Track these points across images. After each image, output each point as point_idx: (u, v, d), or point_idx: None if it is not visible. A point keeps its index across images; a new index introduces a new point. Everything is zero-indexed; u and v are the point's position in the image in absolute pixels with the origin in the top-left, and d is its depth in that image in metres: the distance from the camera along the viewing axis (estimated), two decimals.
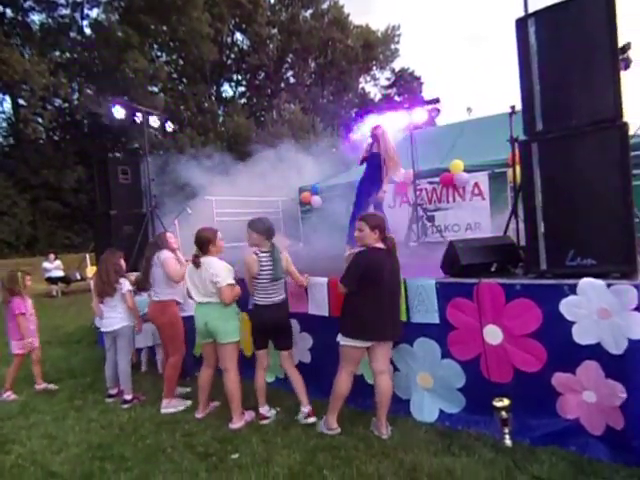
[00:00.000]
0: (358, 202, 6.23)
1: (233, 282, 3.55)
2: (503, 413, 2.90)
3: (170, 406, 3.96)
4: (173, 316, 4.10)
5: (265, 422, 3.52)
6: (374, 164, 6.15)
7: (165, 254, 4.08)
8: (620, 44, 3.14)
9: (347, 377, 3.20)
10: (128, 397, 4.22)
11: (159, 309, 4.08)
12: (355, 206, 6.23)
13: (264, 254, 3.48)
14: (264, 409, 3.60)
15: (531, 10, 3.09)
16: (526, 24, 2.93)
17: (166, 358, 4.18)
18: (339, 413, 3.28)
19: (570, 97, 2.82)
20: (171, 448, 3.24)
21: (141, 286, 4.43)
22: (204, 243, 3.60)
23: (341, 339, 3.18)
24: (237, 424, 3.52)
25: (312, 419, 3.45)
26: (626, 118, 2.71)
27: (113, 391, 4.41)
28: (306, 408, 3.51)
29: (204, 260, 3.56)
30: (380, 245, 3.13)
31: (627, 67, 4.59)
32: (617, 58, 2.68)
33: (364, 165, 6.40)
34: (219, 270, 3.51)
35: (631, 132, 4.45)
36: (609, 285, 2.65)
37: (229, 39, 32.39)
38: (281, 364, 3.69)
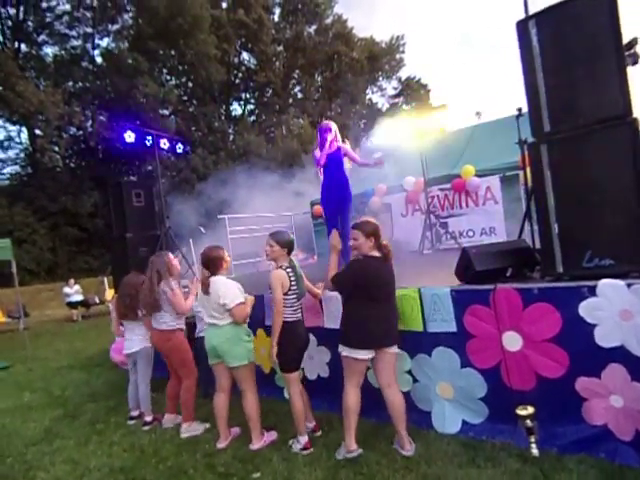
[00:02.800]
0: (328, 212, 5.34)
1: (243, 301, 3.51)
2: (528, 421, 2.81)
3: (190, 430, 3.92)
4: (178, 342, 4.05)
5: (308, 452, 3.29)
6: (334, 164, 5.21)
7: (170, 287, 3.95)
8: (626, 40, 3.11)
9: (353, 391, 3.10)
10: (149, 419, 4.23)
11: (164, 337, 4.02)
12: (327, 219, 5.38)
13: (289, 269, 3.38)
14: (304, 438, 3.36)
15: (532, 11, 3.09)
16: (527, 26, 2.92)
17: (179, 383, 4.12)
18: (357, 430, 3.14)
19: (576, 96, 2.79)
20: (192, 469, 3.24)
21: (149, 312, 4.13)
22: (213, 263, 3.57)
23: (343, 349, 3.11)
24: (257, 445, 3.47)
25: (317, 434, 3.49)
26: (636, 114, 2.67)
27: (135, 413, 4.43)
28: (311, 423, 3.54)
29: (213, 280, 3.52)
30: (376, 253, 3.09)
31: (635, 63, 4.52)
32: (622, 54, 2.65)
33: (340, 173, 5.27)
34: (227, 291, 3.46)
35: None
36: (629, 285, 2.58)
37: (236, 59, 32.94)
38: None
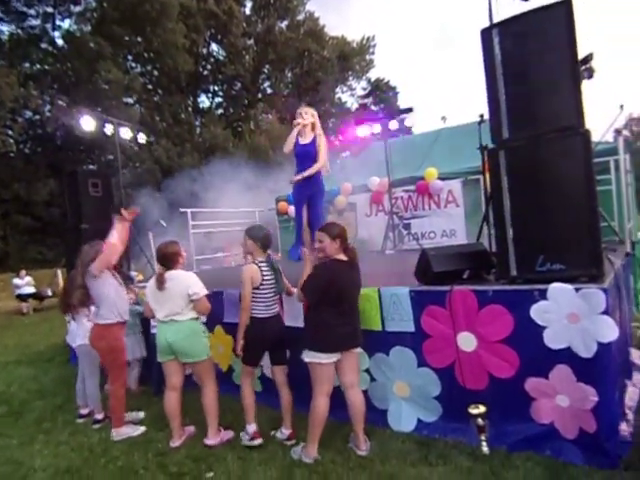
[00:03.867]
0: (297, 207, 5.23)
1: (207, 292, 3.47)
2: (479, 420, 2.90)
3: (121, 433, 3.72)
4: (113, 339, 3.76)
5: (258, 442, 3.32)
6: (305, 157, 5.03)
7: (192, 282, 3.48)
8: (583, 54, 3.23)
9: (323, 400, 3.02)
10: (99, 416, 4.08)
11: (99, 333, 3.75)
12: (297, 214, 5.23)
13: (263, 264, 3.36)
14: (252, 427, 3.38)
15: (496, 20, 3.16)
16: (490, 34, 2.98)
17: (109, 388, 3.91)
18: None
19: (535, 105, 2.88)
20: (143, 469, 3.15)
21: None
22: (169, 258, 3.48)
23: (306, 355, 3.05)
24: (213, 440, 3.42)
25: (290, 442, 3.32)
26: (588, 125, 2.78)
27: (84, 411, 4.26)
28: (287, 431, 3.39)
29: (172, 275, 3.43)
30: (342, 257, 3.06)
31: (590, 77, 4.73)
32: (578, 67, 2.75)
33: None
34: (195, 281, 3.43)
35: (595, 139, 4.57)
36: (577, 289, 2.69)
37: (205, 50, 32.28)
38: (275, 380, 3.53)
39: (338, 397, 3.15)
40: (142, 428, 3.83)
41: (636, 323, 4.90)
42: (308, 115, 5.06)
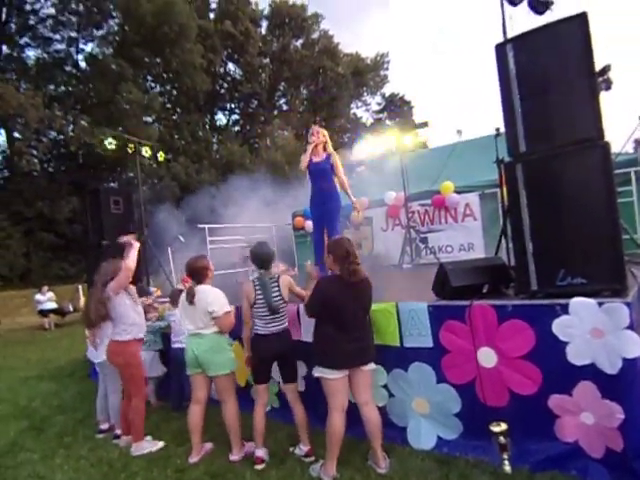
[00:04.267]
0: (315, 225, 5.26)
1: (229, 309, 3.52)
2: (501, 438, 2.83)
3: (140, 449, 3.75)
4: (129, 355, 3.83)
5: (261, 467, 3.28)
6: (320, 175, 5.07)
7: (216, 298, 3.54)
8: (600, 66, 3.22)
9: (339, 416, 3.00)
10: (119, 432, 4.10)
11: (117, 349, 3.82)
12: (315, 231, 5.26)
13: (257, 281, 3.44)
14: (261, 452, 3.37)
15: (510, 34, 3.18)
16: (505, 49, 2.99)
17: (128, 401, 3.92)
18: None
19: (552, 118, 2.87)
20: None
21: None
22: (199, 273, 3.57)
23: (315, 371, 3.08)
24: (237, 456, 3.45)
25: (309, 459, 3.29)
26: (608, 137, 2.76)
27: (104, 426, 4.31)
28: (305, 447, 3.37)
29: (199, 289, 3.51)
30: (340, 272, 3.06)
31: (608, 88, 4.70)
32: (595, 79, 2.74)
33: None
34: (215, 299, 3.48)
35: (615, 150, 4.52)
36: (600, 304, 2.63)
37: (222, 69, 33.01)
38: (286, 397, 3.54)
39: (356, 413, 3.12)
40: (161, 443, 3.85)
41: None
42: (320, 135, 5.14)
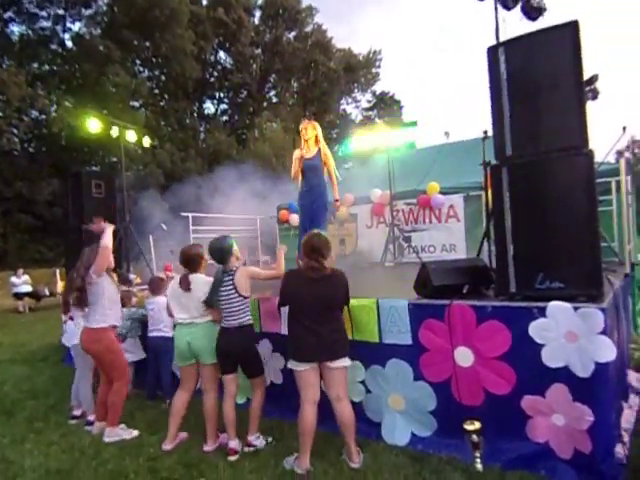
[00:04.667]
0: (302, 220, 5.28)
1: None
2: (474, 436, 2.87)
3: (112, 434, 3.69)
4: (109, 341, 3.76)
5: (234, 458, 3.25)
6: (311, 171, 5.07)
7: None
8: (587, 75, 3.27)
9: (310, 408, 3.03)
10: (91, 418, 4.04)
11: (94, 337, 3.72)
12: (301, 226, 5.28)
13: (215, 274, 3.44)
14: (234, 442, 3.35)
15: (502, 39, 3.20)
16: (497, 53, 3.01)
17: (109, 385, 3.83)
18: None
19: (539, 124, 2.90)
20: (134, 473, 3.11)
21: None
22: (195, 261, 3.53)
23: (288, 362, 3.18)
24: (211, 446, 3.44)
25: (235, 457, 3.25)
26: (591, 146, 2.80)
27: (77, 412, 4.24)
28: (251, 437, 3.37)
29: (195, 277, 3.49)
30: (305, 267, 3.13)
31: (595, 98, 4.77)
32: (582, 88, 2.78)
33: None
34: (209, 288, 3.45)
35: (598, 159, 4.60)
36: (576, 308, 2.69)
37: (212, 57, 32.58)
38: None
39: (330, 408, 3.13)
40: (135, 432, 3.79)
41: (634, 345, 4.88)
42: (309, 130, 5.10)
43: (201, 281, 3.49)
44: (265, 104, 35.34)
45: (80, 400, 4.19)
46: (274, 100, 36.04)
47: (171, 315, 3.69)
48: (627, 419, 3.36)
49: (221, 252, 3.42)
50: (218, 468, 3.11)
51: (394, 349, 3.35)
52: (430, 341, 3.21)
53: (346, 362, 3.08)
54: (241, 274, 3.38)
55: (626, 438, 3.04)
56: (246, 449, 3.33)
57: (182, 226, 9.12)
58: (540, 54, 2.85)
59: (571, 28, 2.76)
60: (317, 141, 5.12)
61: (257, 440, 3.39)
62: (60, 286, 12.24)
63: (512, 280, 2.99)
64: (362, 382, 3.51)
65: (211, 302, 3.38)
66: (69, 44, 25.96)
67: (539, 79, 2.87)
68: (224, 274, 3.39)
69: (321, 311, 3.03)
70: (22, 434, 3.93)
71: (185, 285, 3.46)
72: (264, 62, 34.05)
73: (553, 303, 2.74)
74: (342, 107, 38.50)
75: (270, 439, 3.47)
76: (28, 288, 13.34)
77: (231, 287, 3.35)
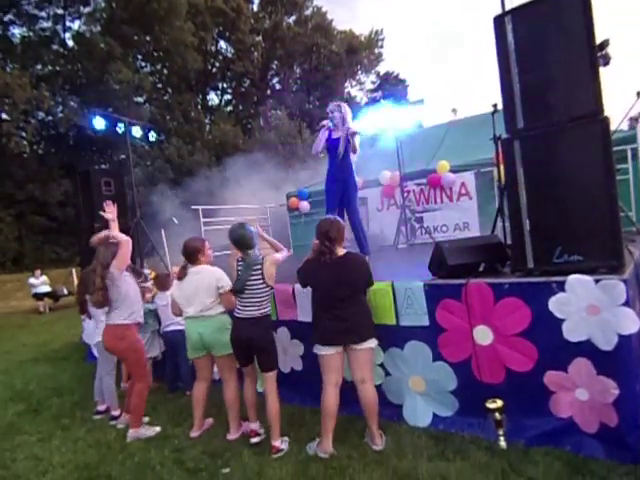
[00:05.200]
0: (330, 200, 5.12)
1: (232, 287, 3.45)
2: (496, 414, 2.85)
3: (136, 435, 3.67)
4: (133, 339, 3.73)
5: (256, 440, 3.31)
6: (333, 151, 5.04)
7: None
8: (598, 41, 3.14)
9: (332, 391, 3.06)
10: (115, 413, 4.12)
11: (117, 334, 3.67)
12: (329, 205, 5.12)
13: (240, 262, 3.37)
14: (255, 425, 3.41)
15: (508, 7, 3.09)
16: (503, 22, 2.91)
17: (132, 386, 3.84)
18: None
19: (550, 94, 2.81)
20: (160, 465, 3.16)
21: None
22: (193, 253, 3.52)
23: (314, 346, 3.19)
24: (235, 435, 3.48)
25: (279, 454, 3.13)
26: (607, 113, 2.71)
27: (102, 407, 4.31)
28: (276, 442, 3.20)
29: (198, 270, 3.49)
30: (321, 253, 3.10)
31: (606, 64, 4.60)
32: (595, 53, 2.67)
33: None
34: (220, 275, 3.45)
35: (612, 127, 4.46)
36: (597, 281, 2.62)
37: (213, 47, 32.34)
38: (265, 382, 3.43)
39: (352, 392, 3.13)
40: (157, 428, 3.80)
41: None
42: (335, 113, 5.04)
43: (212, 269, 3.50)
44: (269, 92, 35.11)
45: (104, 396, 4.25)
46: (277, 87, 35.76)
47: (174, 312, 3.70)
48: None
49: (244, 238, 3.35)
50: (242, 456, 3.14)
51: (412, 331, 3.33)
52: (448, 321, 3.17)
53: (372, 343, 3.10)
54: (270, 262, 3.34)
55: None
56: (274, 456, 3.15)
57: (193, 219, 9.14)
58: (549, 21, 2.74)
59: None
60: (344, 123, 5.03)
61: (283, 444, 3.24)
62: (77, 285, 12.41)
63: (529, 255, 2.93)
64: (381, 365, 3.50)
65: (240, 290, 3.31)
66: (70, 43, 26.02)
67: (549, 46, 2.77)
68: (252, 262, 3.31)
69: (342, 294, 3.03)
70: (49, 431, 4.02)
71: (181, 275, 3.49)
72: (265, 49, 33.71)
73: (572, 277, 2.68)
74: (346, 90, 38.09)
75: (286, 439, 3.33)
76: (47, 288, 13.56)
77: (259, 276, 3.29)
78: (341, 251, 3.13)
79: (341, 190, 5.02)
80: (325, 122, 5.04)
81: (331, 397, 3.05)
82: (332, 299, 3.05)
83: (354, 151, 5.03)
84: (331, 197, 5.08)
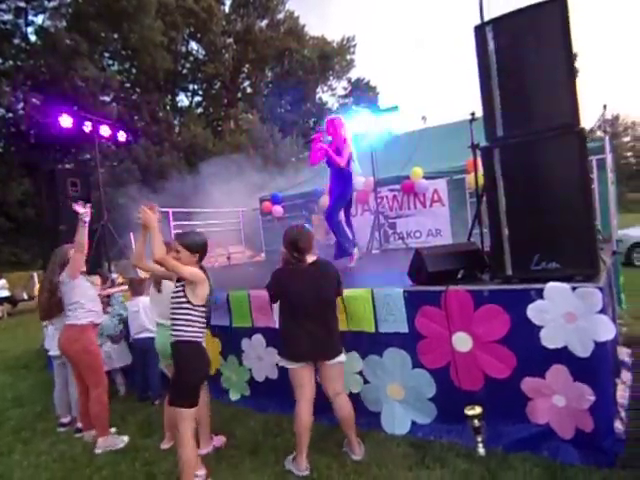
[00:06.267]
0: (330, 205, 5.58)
1: None
2: (475, 421, 2.86)
3: (105, 444, 3.51)
4: (88, 342, 3.56)
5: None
6: (329, 163, 5.55)
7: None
8: None
9: (305, 406, 2.92)
10: (81, 425, 3.91)
11: (73, 335, 3.52)
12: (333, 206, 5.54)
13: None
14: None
15: (486, 17, 3.13)
16: (484, 31, 2.94)
17: (87, 395, 3.63)
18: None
19: (530, 103, 2.85)
20: (130, 479, 3.01)
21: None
22: None
23: (278, 359, 3.11)
24: (205, 449, 3.31)
25: None
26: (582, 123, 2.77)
27: (65, 419, 4.10)
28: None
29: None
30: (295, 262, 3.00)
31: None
32: (573, 64, 2.73)
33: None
34: None
35: None
36: (574, 288, 2.67)
37: (183, 48, 31.91)
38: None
39: (327, 402, 3.06)
40: (125, 438, 3.65)
41: (621, 320, 4.96)
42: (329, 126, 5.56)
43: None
44: (240, 95, 34.86)
45: (71, 406, 4.04)
46: (249, 90, 35.57)
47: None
48: (621, 395, 3.38)
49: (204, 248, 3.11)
50: (219, 469, 3.03)
51: (391, 338, 3.30)
52: (427, 328, 3.17)
53: (342, 358, 2.99)
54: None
55: (623, 414, 3.07)
56: None
57: (163, 222, 8.90)
58: (529, 31, 2.78)
59: (560, 3, 2.70)
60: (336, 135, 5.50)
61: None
62: (38, 289, 11.89)
63: (508, 263, 2.95)
64: (359, 373, 3.45)
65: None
66: (32, 38, 25.05)
67: (529, 57, 2.81)
68: None
69: (313, 306, 2.91)
70: (9, 445, 3.81)
71: (157, 286, 3.40)
72: (237, 52, 33.50)
73: (551, 284, 2.72)
74: (318, 95, 38.27)
75: None
76: (6, 293, 12.94)
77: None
78: (310, 258, 3.01)
79: (341, 193, 5.54)
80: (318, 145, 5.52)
81: (305, 413, 2.92)
82: (302, 311, 2.91)
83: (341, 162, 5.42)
84: (335, 200, 5.62)
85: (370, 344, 3.39)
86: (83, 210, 3.52)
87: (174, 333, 2.76)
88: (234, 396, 4.19)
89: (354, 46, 37.59)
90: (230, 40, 33.24)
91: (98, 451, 3.48)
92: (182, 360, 2.74)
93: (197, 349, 2.79)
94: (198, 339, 2.79)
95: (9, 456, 3.59)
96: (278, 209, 10.09)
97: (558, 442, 2.78)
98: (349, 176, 5.52)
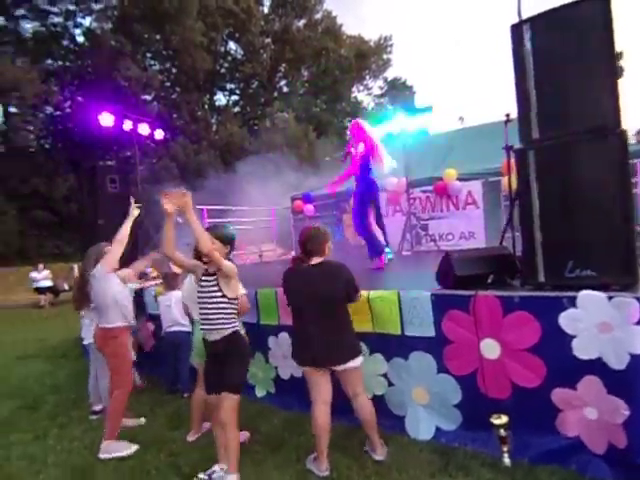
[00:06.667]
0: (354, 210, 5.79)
1: (245, 292, 3.34)
2: (501, 431, 2.78)
3: (109, 450, 3.37)
4: (118, 345, 3.58)
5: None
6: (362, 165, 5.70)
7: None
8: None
9: (322, 409, 2.89)
10: None
11: (108, 336, 3.57)
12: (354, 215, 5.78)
13: None
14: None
15: (525, 15, 3.03)
16: (521, 30, 2.86)
17: (111, 392, 3.63)
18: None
19: (567, 104, 2.75)
20: (155, 470, 3.09)
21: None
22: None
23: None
24: (195, 436, 3.47)
25: None
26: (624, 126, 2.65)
27: (97, 407, 4.25)
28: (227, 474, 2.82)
29: None
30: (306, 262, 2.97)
31: (619, 76, 4.57)
32: (615, 64, 2.63)
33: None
34: None
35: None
36: (610, 298, 2.55)
37: (222, 48, 32.44)
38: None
39: (349, 401, 3.04)
40: (134, 447, 3.45)
41: None
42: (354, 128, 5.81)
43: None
44: (276, 94, 35.15)
45: (101, 395, 4.18)
46: (285, 90, 35.81)
47: (187, 314, 3.63)
48: None
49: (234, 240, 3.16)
50: (242, 464, 3.06)
51: (417, 341, 3.26)
52: (454, 333, 3.10)
53: (356, 363, 2.90)
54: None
55: None
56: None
57: (197, 219, 9.09)
58: (569, 29, 2.68)
59: (602, 1, 2.59)
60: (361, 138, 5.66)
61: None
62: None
63: (540, 269, 2.86)
64: (384, 375, 3.43)
65: None
66: (80, 39, 26.12)
67: (567, 56, 2.71)
68: None
69: (317, 309, 2.84)
70: (45, 429, 3.96)
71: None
72: (274, 51, 33.77)
73: (585, 292, 2.61)
74: (354, 95, 38.14)
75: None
76: (49, 283, 13.55)
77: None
78: (317, 260, 2.95)
79: (368, 192, 5.74)
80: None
81: (321, 416, 2.90)
82: (309, 313, 2.86)
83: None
84: (358, 198, 5.80)
85: (395, 347, 3.35)
86: (137, 212, 3.71)
87: (217, 327, 2.77)
88: (260, 392, 4.25)
89: (391, 45, 37.27)
90: (268, 40, 33.57)
91: (102, 456, 3.35)
92: (234, 351, 2.83)
93: (243, 338, 2.93)
94: (239, 329, 2.90)
95: (44, 439, 3.75)
96: (309, 208, 10.13)
97: (589, 456, 2.66)
98: (368, 178, 5.68)
